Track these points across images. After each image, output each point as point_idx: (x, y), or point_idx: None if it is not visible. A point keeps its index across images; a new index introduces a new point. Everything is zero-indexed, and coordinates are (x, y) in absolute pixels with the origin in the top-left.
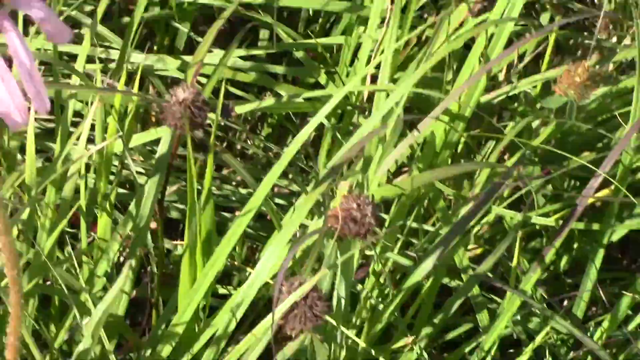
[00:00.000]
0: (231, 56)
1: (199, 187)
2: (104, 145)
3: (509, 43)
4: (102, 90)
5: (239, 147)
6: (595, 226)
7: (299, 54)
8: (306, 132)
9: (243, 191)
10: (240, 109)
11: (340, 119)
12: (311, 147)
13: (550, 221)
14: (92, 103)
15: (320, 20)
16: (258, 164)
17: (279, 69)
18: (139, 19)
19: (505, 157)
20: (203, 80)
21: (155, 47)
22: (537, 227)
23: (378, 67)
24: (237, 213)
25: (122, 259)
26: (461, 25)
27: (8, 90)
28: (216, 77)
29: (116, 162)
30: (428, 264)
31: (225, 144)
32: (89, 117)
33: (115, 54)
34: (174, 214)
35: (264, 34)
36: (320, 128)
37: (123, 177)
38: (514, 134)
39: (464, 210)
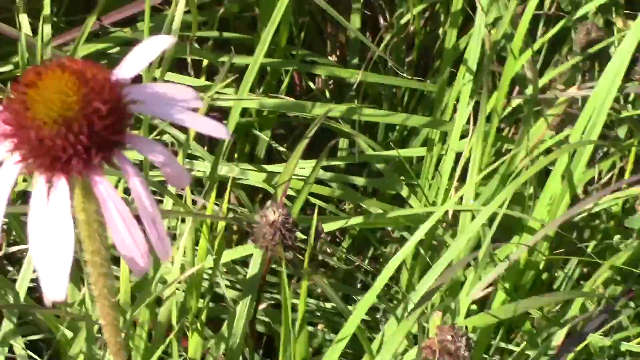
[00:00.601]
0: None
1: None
2: (197, 268)
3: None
4: (196, 215)
5: (319, 257)
6: None
7: (379, 165)
8: (398, 259)
9: (327, 305)
10: (329, 227)
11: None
12: None
13: (638, 348)
14: (182, 220)
15: (397, 127)
16: (340, 276)
17: (360, 181)
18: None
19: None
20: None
21: (235, 155)
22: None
23: (460, 179)
24: (319, 326)
25: None
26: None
27: (132, 235)
28: (303, 196)
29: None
30: None
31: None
32: (183, 239)
33: (198, 164)
34: (259, 327)
35: (343, 142)
36: (402, 240)
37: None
38: (609, 265)
39: (556, 340)
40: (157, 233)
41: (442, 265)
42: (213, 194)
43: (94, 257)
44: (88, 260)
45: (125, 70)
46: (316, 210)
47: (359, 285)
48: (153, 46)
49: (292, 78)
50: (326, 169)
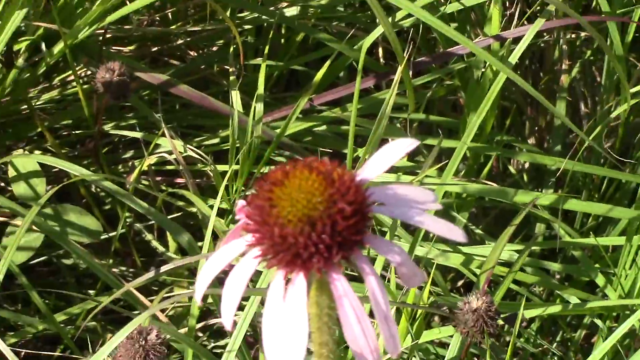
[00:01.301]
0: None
1: None
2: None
3: None
4: (401, 303)
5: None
6: None
7: (575, 252)
8: (598, 355)
9: None
10: (527, 314)
11: (616, 319)
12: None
13: None
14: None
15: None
16: (525, 357)
17: (555, 267)
18: None
19: None
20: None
21: (430, 234)
22: None
23: None
24: None
25: None
26: None
27: (364, 332)
28: (507, 284)
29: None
30: None
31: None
32: None
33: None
34: None
35: (539, 227)
36: (592, 326)
37: None
38: None
39: None
40: (388, 330)
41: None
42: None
43: (321, 349)
44: (315, 352)
45: (368, 170)
46: (522, 302)
47: None
48: (397, 148)
49: (497, 161)
50: (521, 251)
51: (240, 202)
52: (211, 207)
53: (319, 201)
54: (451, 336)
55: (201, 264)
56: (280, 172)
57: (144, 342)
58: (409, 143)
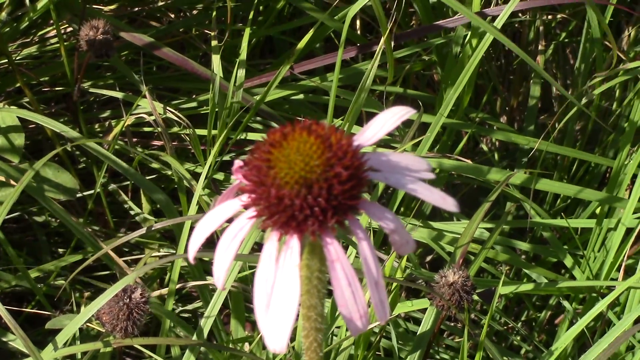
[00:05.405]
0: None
1: None
2: (374, 325)
3: None
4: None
5: (472, 316)
6: None
7: (545, 233)
8: (569, 337)
9: None
10: (501, 290)
11: (581, 302)
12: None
13: None
14: None
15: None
16: (491, 334)
17: (524, 246)
18: None
19: None
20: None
21: (402, 209)
22: None
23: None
24: None
25: None
26: None
27: (355, 297)
28: (480, 259)
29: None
30: None
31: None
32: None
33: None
34: None
35: (509, 206)
36: (556, 307)
37: None
38: None
39: None
40: (378, 296)
41: (605, 342)
42: (393, 253)
43: (309, 312)
44: (302, 314)
45: (365, 137)
46: (502, 278)
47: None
48: (393, 116)
49: (468, 139)
50: (492, 229)
51: (237, 162)
52: (187, 170)
53: (317, 164)
54: (422, 311)
55: (187, 226)
56: (279, 134)
57: (128, 300)
58: (405, 111)
